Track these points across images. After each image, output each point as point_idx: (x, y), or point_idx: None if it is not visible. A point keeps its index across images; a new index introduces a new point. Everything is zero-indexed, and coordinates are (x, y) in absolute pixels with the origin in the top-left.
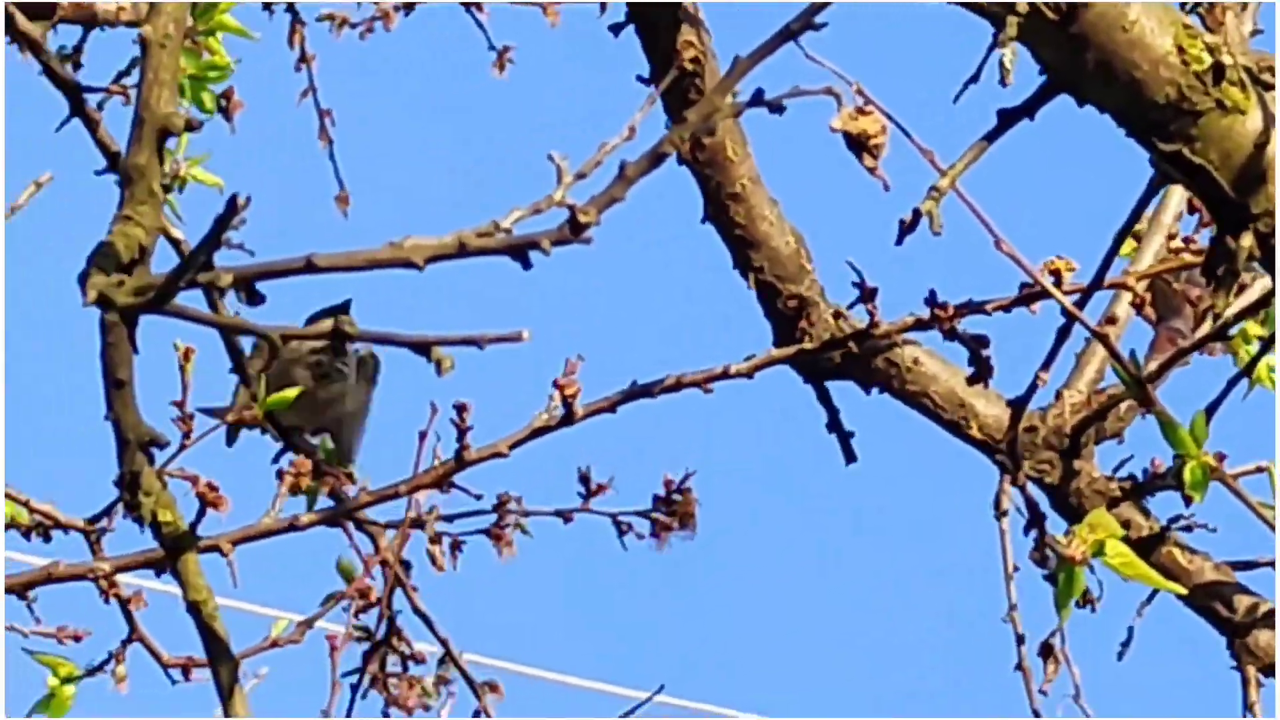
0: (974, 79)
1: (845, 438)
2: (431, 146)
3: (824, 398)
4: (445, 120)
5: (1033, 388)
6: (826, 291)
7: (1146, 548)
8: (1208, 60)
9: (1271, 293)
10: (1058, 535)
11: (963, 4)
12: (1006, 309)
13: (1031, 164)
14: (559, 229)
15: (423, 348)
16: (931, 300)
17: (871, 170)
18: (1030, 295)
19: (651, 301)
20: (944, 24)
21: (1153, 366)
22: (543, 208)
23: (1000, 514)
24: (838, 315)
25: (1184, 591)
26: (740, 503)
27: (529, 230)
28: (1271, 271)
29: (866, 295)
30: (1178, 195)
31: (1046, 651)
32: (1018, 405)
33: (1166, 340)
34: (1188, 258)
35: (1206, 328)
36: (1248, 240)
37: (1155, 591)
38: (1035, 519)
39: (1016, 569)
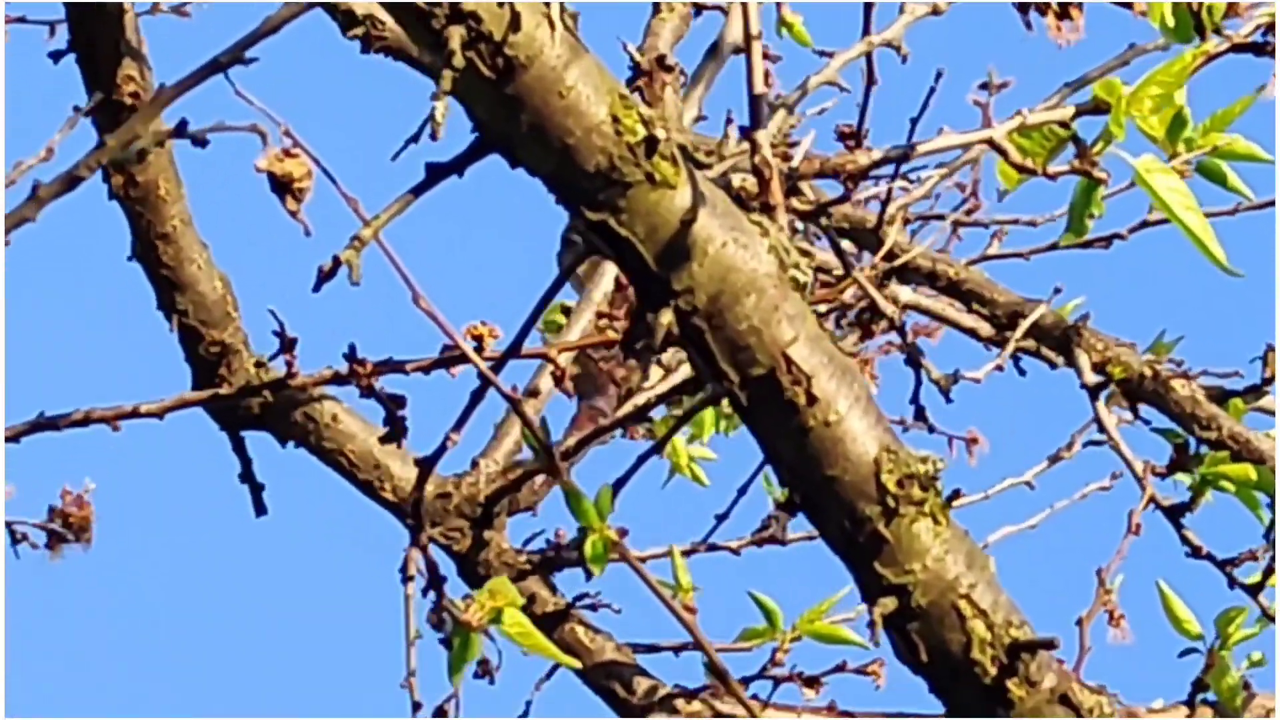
0: (414, 139)
1: (257, 489)
2: None
3: (239, 447)
4: None
5: (442, 448)
6: (252, 340)
7: (550, 623)
8: (641, 132)
9: (693, 380)
10: (456, 600)
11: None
12: (426, 370)
13: (472, 223)
14: None
15: None
16: (351, 355)
17: (294, 214)
18: (450, 358)
19: (73, 334)
20: (391, 75)
21: (570, 442)
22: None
23: (407, 578)
24: (259, 365)
25: (579, 667)
26: (147, 540)
27: None
28: (691, 352)
29: (286, 345)
30: (611, 271)
31: (440, 715)
32: (425, 465)
33: (587, 418)
34: (611, 334)
35: (628, 408)
36: (667, 317)
37: (556, 666)
38: (434, 581)
39: (419, 635)
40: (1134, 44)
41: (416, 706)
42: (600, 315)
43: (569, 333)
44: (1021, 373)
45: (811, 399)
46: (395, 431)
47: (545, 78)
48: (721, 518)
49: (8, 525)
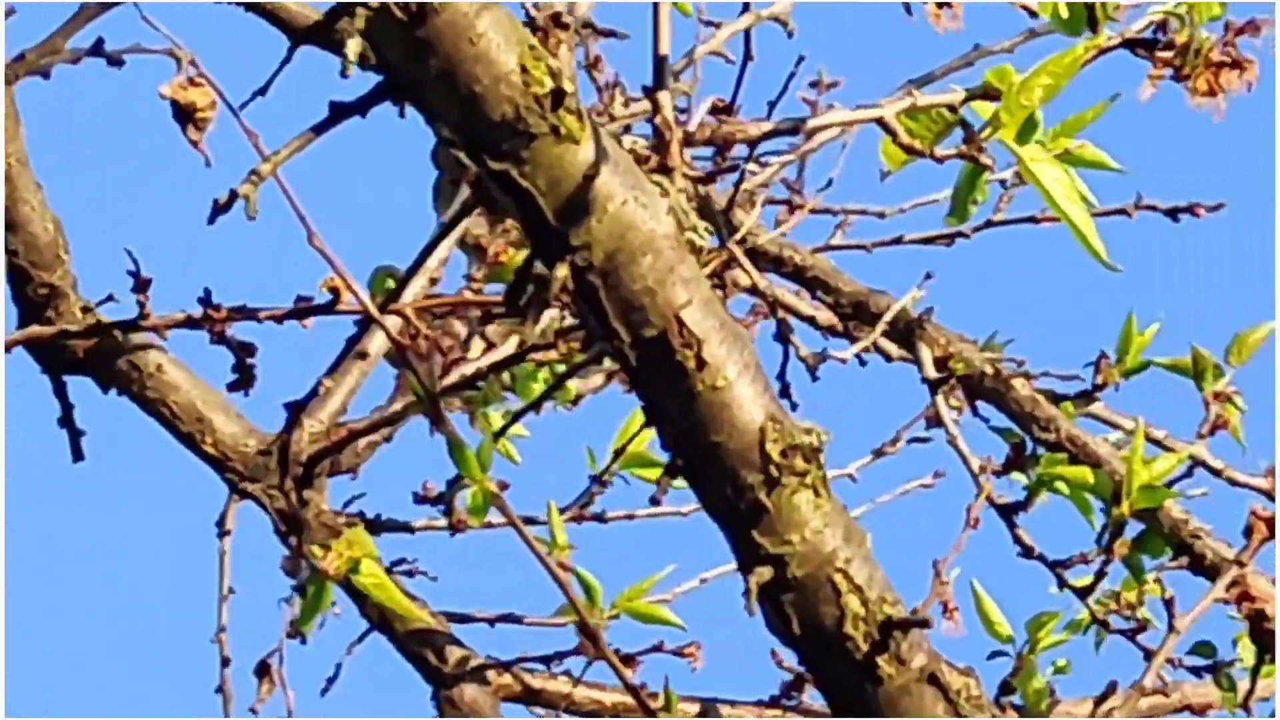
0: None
1: (76, 435)
2: None
3: (60, 391)
4: None
5: (313, 393)
6: (83, 285)
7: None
8: (549, 84)
9: (517, 355)
10: (315, 547)
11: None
12: (279, 319)
13: (371, 164)
14: None
15: None
16: (205, 300)
17: (195, 143)
18: (305, 309)
19: None
20: None
21: (396, 407)
22: None
23: (224, 533)
24: (86, 309)
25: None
26: None
27: None
28: (583, 308)
29: (140, 285)
30: (449, 241)
31: (263, 670)
32: (296, 408)
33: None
34: (468, 295)
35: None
36: (563, 271)
37: (370, 630)
38: (294, 527)
39: (233, 590)
40: (979, 45)
41: (226, 661)
42: (432, 281)
43: (403, 297)
44: (862, 363)
45: (701, 363)
46: (244, 380)
47: (457, 23)
48: (596, 479)
49: None
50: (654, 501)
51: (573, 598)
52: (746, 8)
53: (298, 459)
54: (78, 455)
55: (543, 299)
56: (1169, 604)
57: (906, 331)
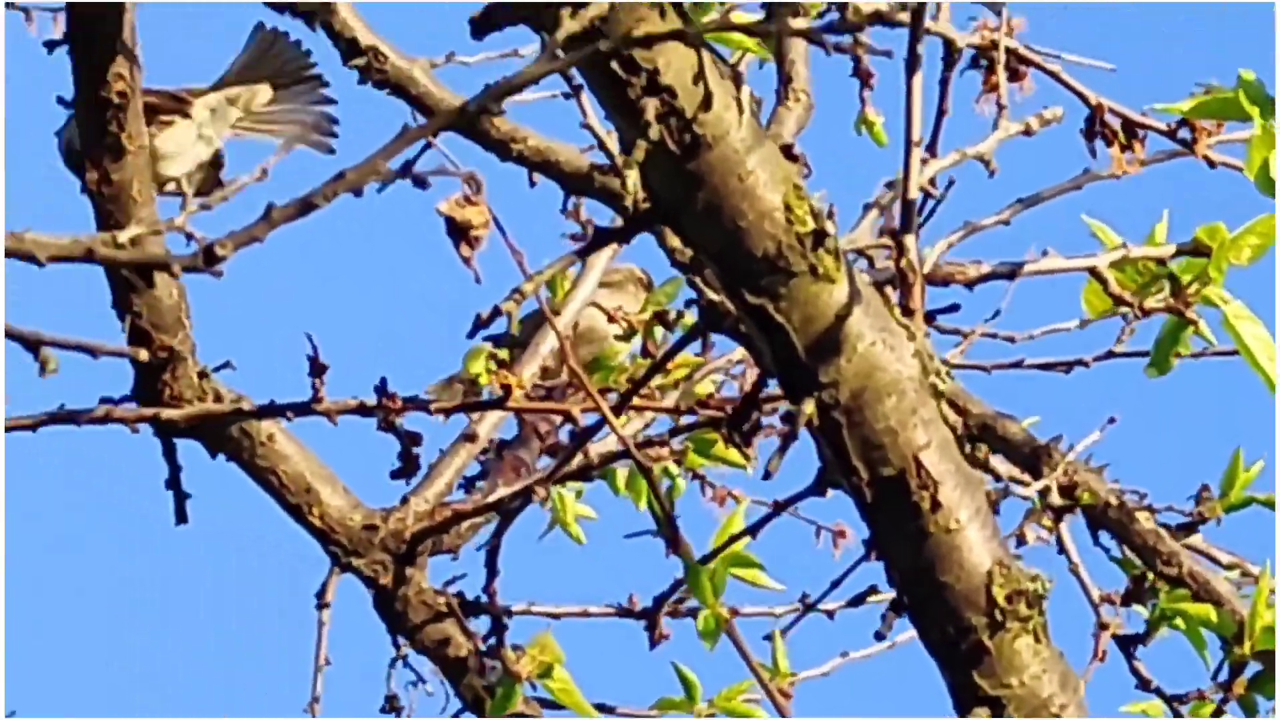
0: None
1: (181, 497)
2: None
3: (169, 453)
4: None
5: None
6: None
7: (462, 668)
8: (811, 224)
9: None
10: (509, 651)
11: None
12: (448, 413)
13: None
14: (193, 255)
15: (33, 345)
16: (381, 389)
17: (466, 260)
18: (477, 404)
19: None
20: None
21: (504, 493)
22: (163, 229)
23: (323, 604)
24: (202, 375)
25: None
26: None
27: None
28: (823, 443)
29: (316, 370)
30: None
31: None
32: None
33: (510, 467)
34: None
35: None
36: (810, 407)
37: (463, 709)
38: (498, 629)
39: (329, 662)
40: (1088, 169)
41: None
42: (544, 370)
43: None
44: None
45: (936, 505)
46: (407, 468)
47: (728, 159)
48: (835, 584)
49: None
50: (879, 637)
51: None
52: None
53: (402, 537)
54: (182, 518)
55: (793, 434)
56: None
57: (1033, 457)
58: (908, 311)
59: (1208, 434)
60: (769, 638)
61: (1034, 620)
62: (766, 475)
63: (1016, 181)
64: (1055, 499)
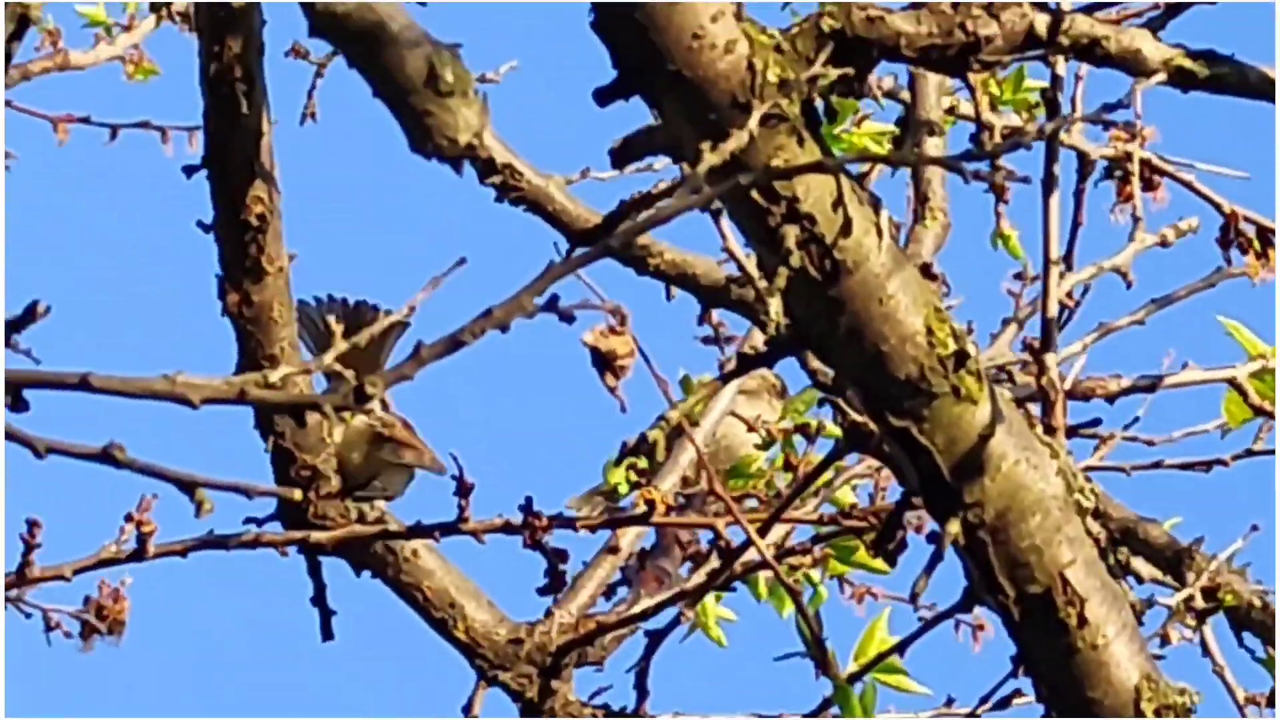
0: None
1: (327, 614)
2: None
3: (314, 570)
4: None
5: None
6: None
7: None
8: (952, 346)
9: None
10: None
11: (536, 210)
12: (594, 529)
13: None
14: (344, 394)
15: (189, 487)
16: (527, 508)
17: (612, 390)
18: (621, 520)
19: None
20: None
21: (648, 603)
22: (313, 369)
23: (470, 716)
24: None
25: None
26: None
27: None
28: (968, 563)
29: (463, 490)
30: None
31: None
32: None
33: (652, 577)
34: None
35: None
36: (954, 527)
37: None
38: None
39: None
40: (1221, 268)
41: None
42: (684, 480)
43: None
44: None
45: (1083, 621)
46: (555, 585)
47: (868, 283)
48: (985, 699)
49: (41, 611)
50: None
51: None
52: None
53: (547, 650)
54: (327, 634)
55: (940, 553)
56: None
57: (1175, 559)
58: (1050, 430)
59: None
60: None
61: None
62: (913, 598)
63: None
64: (1199, 601)
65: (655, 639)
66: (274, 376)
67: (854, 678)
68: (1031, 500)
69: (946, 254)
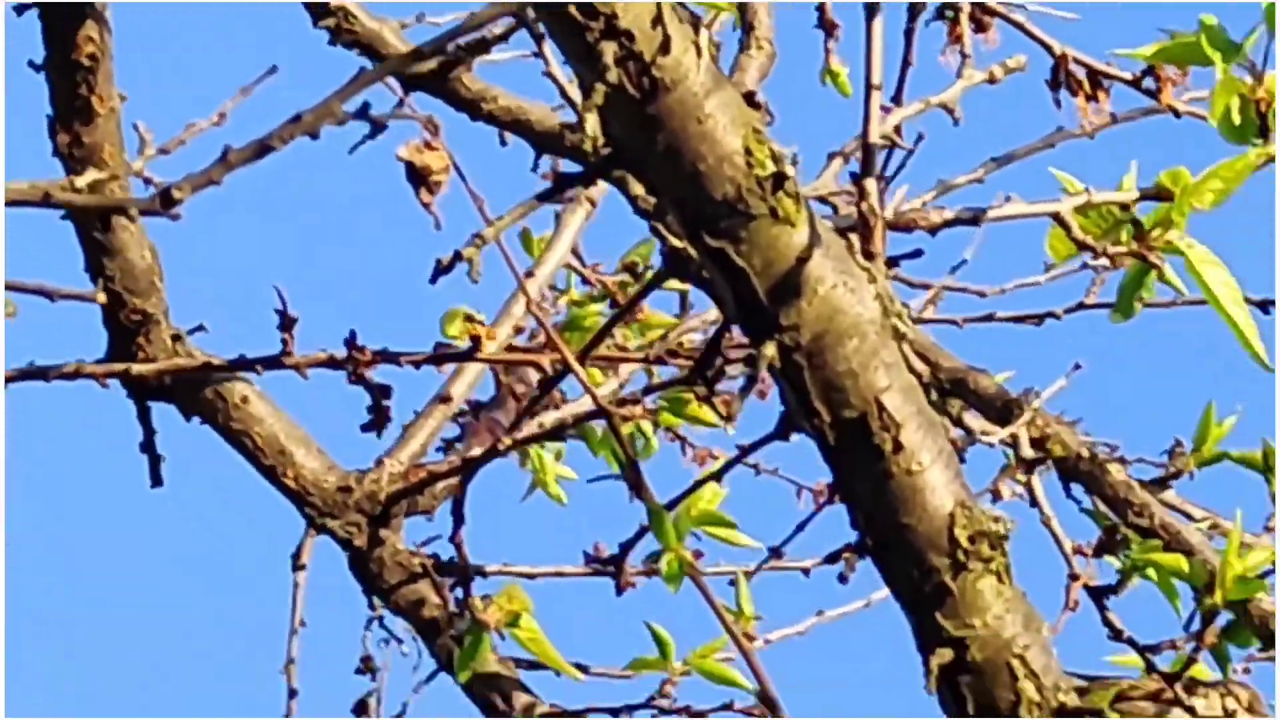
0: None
1: (156, 460)
2: None
3: (144, 416)
4: None
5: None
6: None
7: (436, 628)
8: (771, 167)
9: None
10: (477, 600)
11: (368, 53)
12: (419, 364)
13: None
14: (150, 199)
15: None
16: (350, 342)
17: (426, 205)
18: (447, 355)
19: None
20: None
21: (475, 451)
22: (122, 175)
23: (299, 566)
24: (176, 338)
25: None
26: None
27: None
28: (785, 387)
29: (286, 324)
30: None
31: (361, 709)
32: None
33: (485, 428)
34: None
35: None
36: (770, 350)
37: (437, 670)
38: (464, 579)
39: (304, 624)
40: (1061, 128)
41: (293, 693)
42: (517, 330)
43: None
44: (969, 439)
45: (898, 446)
46: (378, 421)
47: (687, 102)
48: (800, 527)
49: None
50: (842, 580)
51: (756, 666)
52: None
53: (376, 498)
54: (156, 481)
55: (755, 376)
56: None
57: (1005, 410)
58: (869, 255)
59: (1182, 387)
60: (734, 583)
61: (996, 561)
62: (727, 418)
63: (990, 142)
64: (1027, 451)
65: (469, 465)
66: (81, 181)
67: (671, 504)
68: (848, 324)
69: (777, 94)
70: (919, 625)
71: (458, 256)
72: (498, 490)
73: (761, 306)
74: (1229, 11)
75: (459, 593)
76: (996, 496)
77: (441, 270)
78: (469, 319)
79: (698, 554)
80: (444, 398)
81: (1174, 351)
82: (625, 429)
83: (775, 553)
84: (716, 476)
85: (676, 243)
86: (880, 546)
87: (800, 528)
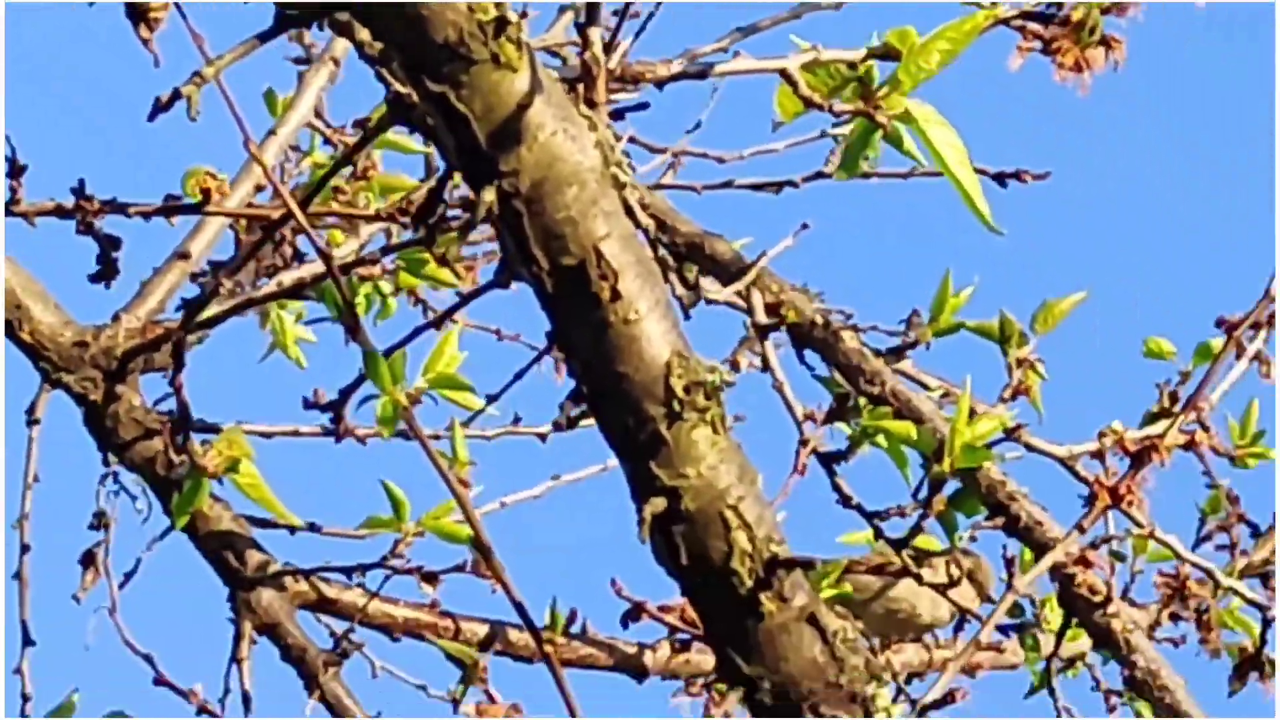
0: None
1: None
2: None
3: None
4: None
5: (215, 290)
6: None
7: (171, 486)
8: (493, 12)
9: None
10: (196, 445)
11: None
12: (149, 215)
13: None
14: None
15: None
16: (79, 191)
17: (145, 42)
18: (177, 208)
19: None
20: None
21: (215, 310)
22: None
23: (33, 421)
24: None
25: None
26: None
27: None
28: (504, 233)
29: (15, 171)
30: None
31: (88, 560)
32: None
33: (225, 289)
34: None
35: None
36: (489, 195)
37: (170, 529)
38: (181, 422)
39: (38, 478)
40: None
41: (26, 548)
42: (258, 187)
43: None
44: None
45: (615, 295)
46: (107, 272)
47: None
48: (519, 375)
49: None
50: (558, 426)
51: (469, 512)
52: None
53: (113, 354)
54: None
55: (473, 222)
56: (1009, 563)
57: (739, 275)
58: (591, 104)
59: (922, 258)
60: (449, 428)
61: (712, 411)
62: (443, 261)
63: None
64: (761, 317)
65: (190, 306)
66: None
67: (389, 350)
68: (568, 172)
69: None
70: (634, 474)
71: (176, 94)
72: (241, 351)
73: (482, 152)
74: None
75: (180, 439)
76: (735, 368)
77: (160, 108)
78: (210, 175)
79: (415, 400)
80: (182, 254)
81: (914, 223)
82: (363, 290)
83: (490, 397)
84: (436, 325)
85: (400, 89)
86: (597, 395)
87: (518, 376)
